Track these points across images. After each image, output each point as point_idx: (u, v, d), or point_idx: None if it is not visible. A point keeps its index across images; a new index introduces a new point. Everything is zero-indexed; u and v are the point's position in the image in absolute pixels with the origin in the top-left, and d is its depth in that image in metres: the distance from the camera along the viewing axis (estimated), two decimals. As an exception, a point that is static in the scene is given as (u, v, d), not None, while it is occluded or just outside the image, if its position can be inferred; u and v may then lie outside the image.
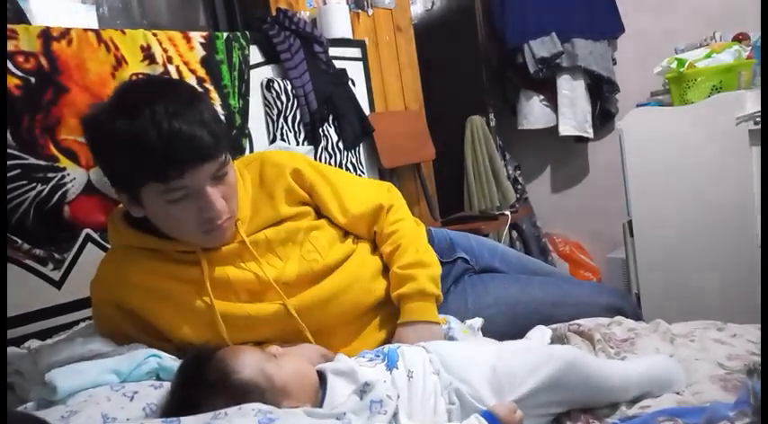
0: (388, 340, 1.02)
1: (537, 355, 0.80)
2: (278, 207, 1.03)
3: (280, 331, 0.97)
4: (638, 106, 2.12)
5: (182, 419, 0.62)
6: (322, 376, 0.79)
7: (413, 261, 1.05)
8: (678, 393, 0.80)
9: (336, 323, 1.01)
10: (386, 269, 1.09)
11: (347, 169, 2.16)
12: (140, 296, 0.95)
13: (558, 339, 1.01)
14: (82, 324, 1.38)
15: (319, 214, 1.08)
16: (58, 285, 1.39)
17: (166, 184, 0.85)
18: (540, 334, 1.02)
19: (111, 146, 0.88)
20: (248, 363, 0.73)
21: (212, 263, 0.97)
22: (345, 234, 1.09)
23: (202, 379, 0.71)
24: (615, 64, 2.81)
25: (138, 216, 0.94)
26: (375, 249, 1.11)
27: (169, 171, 0.84)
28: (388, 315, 1.06)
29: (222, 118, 0.97)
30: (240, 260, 0.98)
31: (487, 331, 1.07)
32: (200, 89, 0.96)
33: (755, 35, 1.94)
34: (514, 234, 2.75)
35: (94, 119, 0.89)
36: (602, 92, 2.79)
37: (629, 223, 2.02)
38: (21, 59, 1.33)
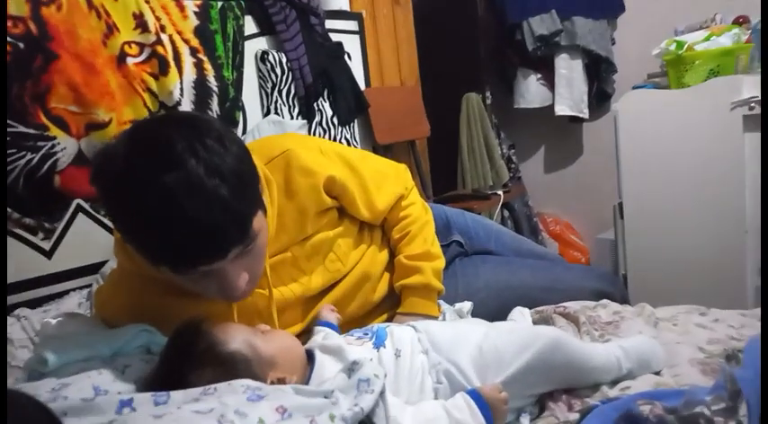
0: None
1: (523, 335, 0.81)
2: (307, 226, 0.95)
3: None
4: (634, 88, 2.11)
5: (171, 393, 0.63)
6: (310, 354, 0.80)
7: (420, 253, 1.06)
8: (658, 374, 0.82)
9: (344, 322, 1.01)
10: (391, 256, 1.09)
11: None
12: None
13: (543, 320, 1.03)
14: (72, 294, 1.39)
15: (340, 209, 1.02)
16: (49, 254, 1.39)
17: (177, 271, 0.74)
18: (520, 316, 1.04)
19: (114, 212, 0.76)
20: (235, 335, 0.74)
21: None
22: (361, 227, 1.06)
23: (190, 350, 0.72)
24: (614, 44, 2.78)
25: None
26: (383, 237, 1.10)
27: (179, 266, 0.73)
28: (389, 306, 1.08)
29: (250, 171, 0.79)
30: (266, 281, 0.90)
31: (477, 315, 1.08)
32: (229, 131, 0.77)
33: (756, 18, 1.92)
34: (506, 213, 2.76)
35: (99, 170, 0.75)
36: (599, 72, 2.78)
37: (620, 205, 2.03)
38: (9, 24, 1.30)
